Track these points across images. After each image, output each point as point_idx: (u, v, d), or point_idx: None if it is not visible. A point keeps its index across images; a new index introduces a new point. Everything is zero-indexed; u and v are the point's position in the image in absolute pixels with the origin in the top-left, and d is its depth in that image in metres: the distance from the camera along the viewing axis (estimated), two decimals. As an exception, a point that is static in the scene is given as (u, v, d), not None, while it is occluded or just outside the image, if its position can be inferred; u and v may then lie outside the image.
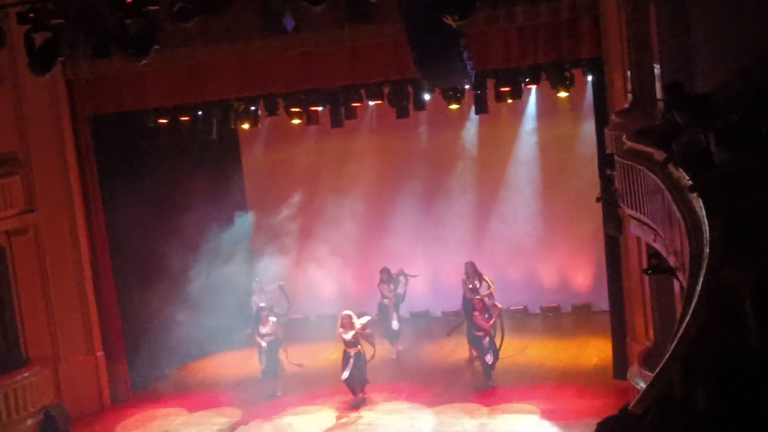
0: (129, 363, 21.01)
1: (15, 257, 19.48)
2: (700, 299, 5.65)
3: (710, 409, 3.14)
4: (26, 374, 19.27)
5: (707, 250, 6.83)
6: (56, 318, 19.95)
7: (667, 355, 4.77)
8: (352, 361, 18.81)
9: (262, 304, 20.55)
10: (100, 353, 20.59)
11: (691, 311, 5.53)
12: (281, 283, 21.36)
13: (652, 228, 12.09)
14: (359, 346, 18.92)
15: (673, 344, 4.92)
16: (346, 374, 18.85)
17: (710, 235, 7.06)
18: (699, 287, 6.05)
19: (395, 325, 21.22)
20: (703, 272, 6.36)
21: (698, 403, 3.19)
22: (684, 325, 5.30)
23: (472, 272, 20.42)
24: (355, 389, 19.04)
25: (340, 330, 18.89)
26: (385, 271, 21.16)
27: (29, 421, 19.17)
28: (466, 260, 20.65)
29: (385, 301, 21.21)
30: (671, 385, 3.51)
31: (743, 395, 3.17)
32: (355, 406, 18.92)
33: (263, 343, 19.84)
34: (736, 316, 4.02)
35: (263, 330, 19.82)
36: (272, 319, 20.02)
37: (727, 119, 8.55)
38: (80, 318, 20.31)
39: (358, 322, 18.93)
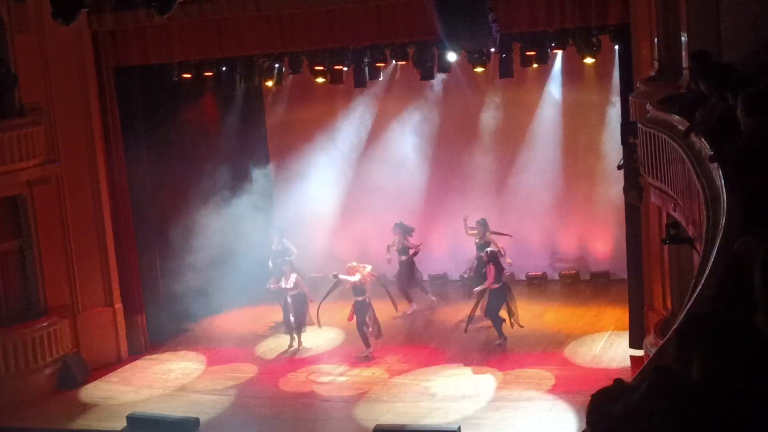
0: (147, 315, 21.13)
1: (36, 207, 19.55)
2: (711, 271, 5.60)
3: (705, 383, 3.11)
4: (45, 324, 19.41)
5: (724, 221, 6.76)
6: (76, 268, 20.06)
7: (673, 327, 4.74)
8: (352, 307, 19.02)
9: (288, 258, 20.62)
10: (118, 305, 20.69)
11: (702, 283, 5.49)
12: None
13: (672, 197, 12.01)
14: (366, 295, 18.98)
15: (681, 316, 4.88)
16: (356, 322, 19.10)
17: (727, 206, 7.00)
18: (712, 259, 6.00)
19: (418, 277, 21.38)
20: (717, 243, 6.31)
21: (693, 376, 3.17)
22: (693, 296, 5.26)
23: (482, 230, 20.62)
24: (367, 338, 19.17)
25: (344, 277, 19.12)
26: (398, 225, 21.25)
27: (47, 371, 19.33)
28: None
29: (402, 258, 21.30)
30: (670, 357, 3.48)
31: (741, 372, 3.14)
32: (369, 362, 19.02)
33: (288, 298, 19.93)
34: (743, 289, 3.98)
35: (286, 285, 19.91)
36: (294, 274, 20.11)
37: (756, 87, 8.44)
38: (99, 269, 20.41)
39: (366, 270, 19.22)
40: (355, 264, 19.35)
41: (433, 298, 21.69)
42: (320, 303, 19.40)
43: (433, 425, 16.17)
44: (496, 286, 19.12)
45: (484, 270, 19.45)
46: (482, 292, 19.37)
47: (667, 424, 3.20)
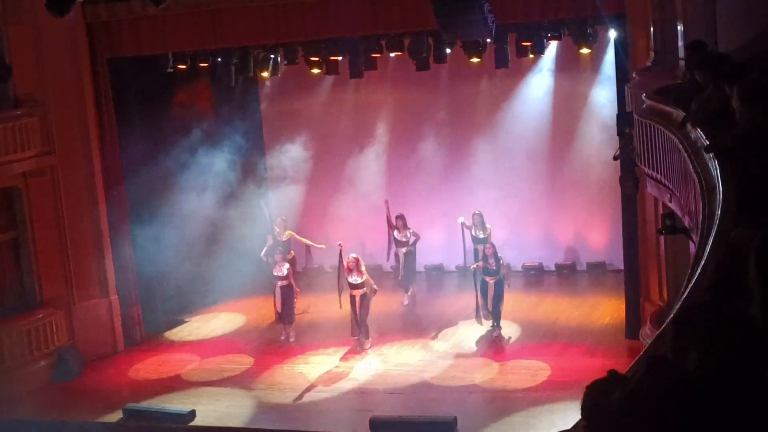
0: (143, 307, 21.10)
1: (31, 199, 19.54)
2: (707, 261, 5.59)
3: (701, 373, 3.10)
4: (40, 316, 19.41)
5: (719, 211, 6.74)
6: (71, 260, 20.04)
7: (670, 318, 4.73)
8: (357, 303, 19.13)
9: (279, 248, 20.64)
10: (114, 297, 20.67)
11: (698, 273, 5.48)
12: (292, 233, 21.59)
13: (668, 188, 11.98)
14: (364, 289, 19.13)
15: (677, 306, 4.86)
16: (354, 317, 19.20)
17: (723, 196, 6.98)
18: (708, 249, 5.98)
19: (401, 272, 21.39)
20: (713, 233, 6.29)
21: (689, 366, 3.15)
22: (689, 286, 5.24)
23: (479, 223, 20.54)
24: (361, 332, 19.25)
25: (346, 271, 19.26)
26: (401, 217, 21.27)
27: (42, 363, 19.32)
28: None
29: (402, 250, 21.30)
30: (666, 347, 3.47)
31: (736, 361, 3.12)
32: (364, 352, 19.06)
33: (278, 288, 19.93)
34: (739, 279, 3.96)
35: (277, 273, 19.92)
36: (286, 265, 20.11)
37: (751, 76, 8.41)
38: (95, 261, 20.38)
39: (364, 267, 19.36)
40: (356, 255, 19.43)
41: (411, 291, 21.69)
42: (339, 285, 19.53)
43: (429, 416, 16.16)
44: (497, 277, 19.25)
45: (491, 261, 19.37)
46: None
47: (663, 414, 3.19)
